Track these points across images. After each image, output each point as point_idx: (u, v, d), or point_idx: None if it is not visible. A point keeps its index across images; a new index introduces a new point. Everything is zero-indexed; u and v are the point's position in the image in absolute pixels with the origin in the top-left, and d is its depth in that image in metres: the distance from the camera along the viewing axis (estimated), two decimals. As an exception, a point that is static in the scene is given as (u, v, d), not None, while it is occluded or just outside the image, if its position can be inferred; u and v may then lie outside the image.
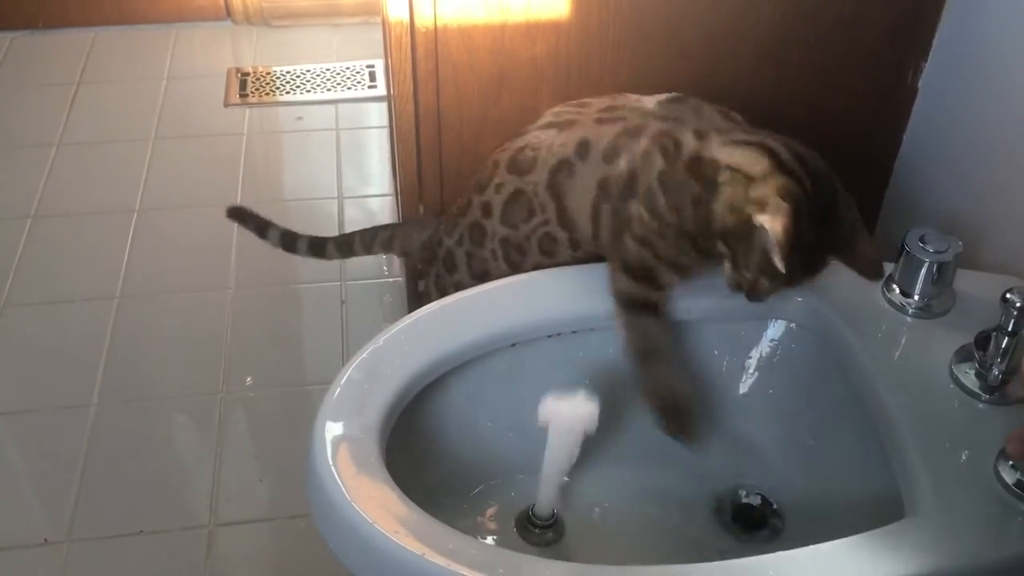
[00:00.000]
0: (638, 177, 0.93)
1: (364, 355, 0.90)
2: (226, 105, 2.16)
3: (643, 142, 0.93)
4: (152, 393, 1.51)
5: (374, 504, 0.75)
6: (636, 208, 0.92)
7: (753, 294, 0.88)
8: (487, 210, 1.05)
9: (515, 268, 1.05)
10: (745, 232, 0.84)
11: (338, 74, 2.25)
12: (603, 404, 0.99)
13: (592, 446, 0.99)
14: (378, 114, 2.13)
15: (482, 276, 1.08)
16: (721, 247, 0.87)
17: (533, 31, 1.08)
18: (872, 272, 0.87)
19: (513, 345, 0.94)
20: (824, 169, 0.86)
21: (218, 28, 2.42)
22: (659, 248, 0.92)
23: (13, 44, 2.35)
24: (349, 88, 2.21)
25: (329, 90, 2.20)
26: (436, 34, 1.07)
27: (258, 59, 2.31)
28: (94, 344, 1.58)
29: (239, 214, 1.30)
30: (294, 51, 2.33)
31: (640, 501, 0.97)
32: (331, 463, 0.78)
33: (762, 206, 0.82)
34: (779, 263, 0.80)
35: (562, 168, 0.98)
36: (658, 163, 0.91)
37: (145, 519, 1.32)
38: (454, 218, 1.10)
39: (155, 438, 1.45)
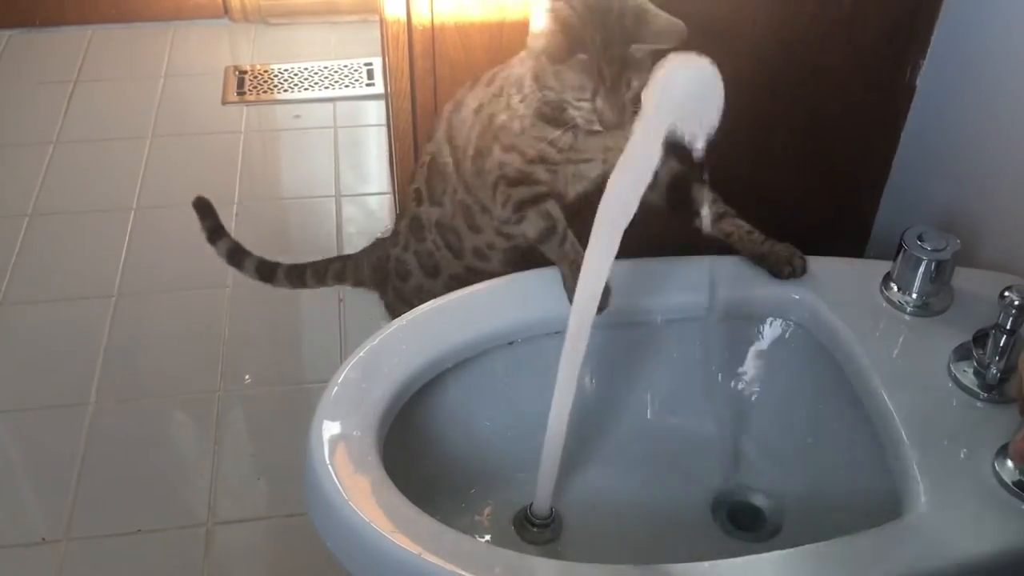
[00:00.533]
0: (503, 88, 0.96)
1: (362, 354, 0.89)
2: (224, 103, 2.15)
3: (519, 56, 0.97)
4: (150, 391, 1.51)
5: (371, 503, 0.75)
6: (501, 118, 0.95)
7: (608, 121, 0.90)
8: (419, 197, 1.07)
9: (457, 254, 1.07)
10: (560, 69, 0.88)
11: (336, 72, 2.25)
12: (602, 403, 0.99)
13: (591, 444, 0.99)
14: (376, 112, 2.13)
15: (434, 271, 1.09)
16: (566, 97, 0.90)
17: (531, 29, 1.07)
18: (670, 39, 0.88)
19: (511, 343, 0.94)
20: None
21: (216, 26, 2.41)
22: (525, 149, 0.94)
23: (10, 42, 2.34)
24: (347, 86, 2.20)
25: (327, 88, 2.20)
26: (433, 32, 1.07)
27: (256, 57, 2.31)
28: (92, 342, 1.57)
29: (202, 208, 1.26)
30: (292, 49, 2.33)
31: (638, 500, 0.97)
32: (328, 462, 0.78)
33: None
34: (551, 55, 0.87)
35: (454, 108, 1.01)
36: (516, 70, 0.95)
37: (143, 518, 1.32)
38: (396, 225, 1.12)
39: (153, 436, 1.44)
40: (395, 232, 1.13)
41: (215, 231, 1.26)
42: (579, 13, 0.87)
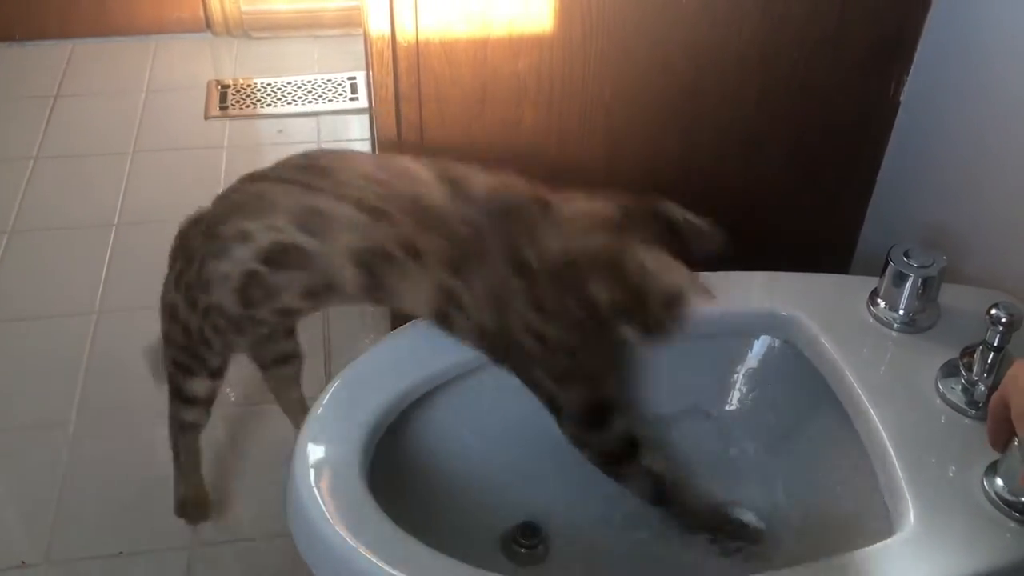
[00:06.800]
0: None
1: (348, 373, 0.89)
2: (206, 118, 2.14)
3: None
4: (132, 410, 1.49)
5: (357, 527, 0.74)
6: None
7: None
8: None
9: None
10: None
11: (319, 86, 2.24)
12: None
13: (580, 463, 0.98)
14: (360, 126, 2.12)
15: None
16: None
17: (516, 45, 1.07)
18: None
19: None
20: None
21: (198, 40, 2.40)
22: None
23: (-10, 56, 2.33)
24: (330, 100, 2.20)
25: (310, 102, 2.19)
26: (418, 48, 1.06)
27: (238, 71, 2.30)
28: (72, 361, 1.55)
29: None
30: (275, 63, 2.32)
31: (627, 519, 0.97)
32: (314, 485, 0.77)
33: None
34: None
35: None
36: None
37: (125, 540, 1.30)
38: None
39: (135, 456, 1.42)
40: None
41: None
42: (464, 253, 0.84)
